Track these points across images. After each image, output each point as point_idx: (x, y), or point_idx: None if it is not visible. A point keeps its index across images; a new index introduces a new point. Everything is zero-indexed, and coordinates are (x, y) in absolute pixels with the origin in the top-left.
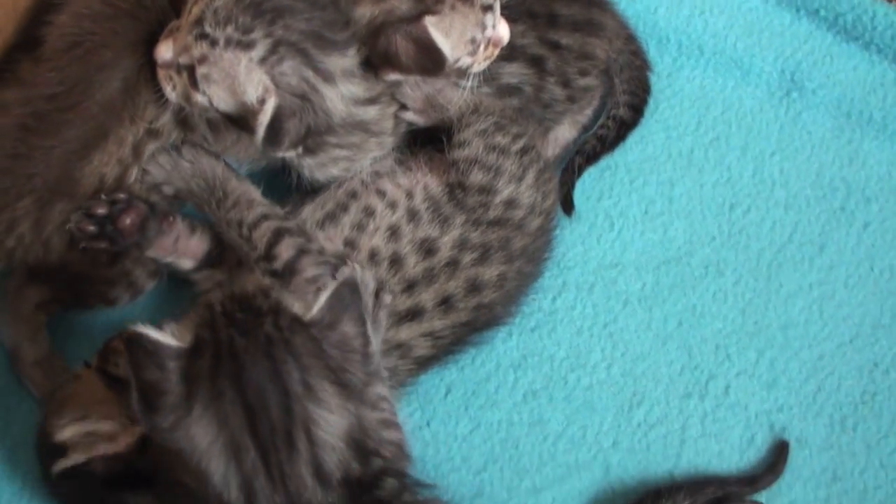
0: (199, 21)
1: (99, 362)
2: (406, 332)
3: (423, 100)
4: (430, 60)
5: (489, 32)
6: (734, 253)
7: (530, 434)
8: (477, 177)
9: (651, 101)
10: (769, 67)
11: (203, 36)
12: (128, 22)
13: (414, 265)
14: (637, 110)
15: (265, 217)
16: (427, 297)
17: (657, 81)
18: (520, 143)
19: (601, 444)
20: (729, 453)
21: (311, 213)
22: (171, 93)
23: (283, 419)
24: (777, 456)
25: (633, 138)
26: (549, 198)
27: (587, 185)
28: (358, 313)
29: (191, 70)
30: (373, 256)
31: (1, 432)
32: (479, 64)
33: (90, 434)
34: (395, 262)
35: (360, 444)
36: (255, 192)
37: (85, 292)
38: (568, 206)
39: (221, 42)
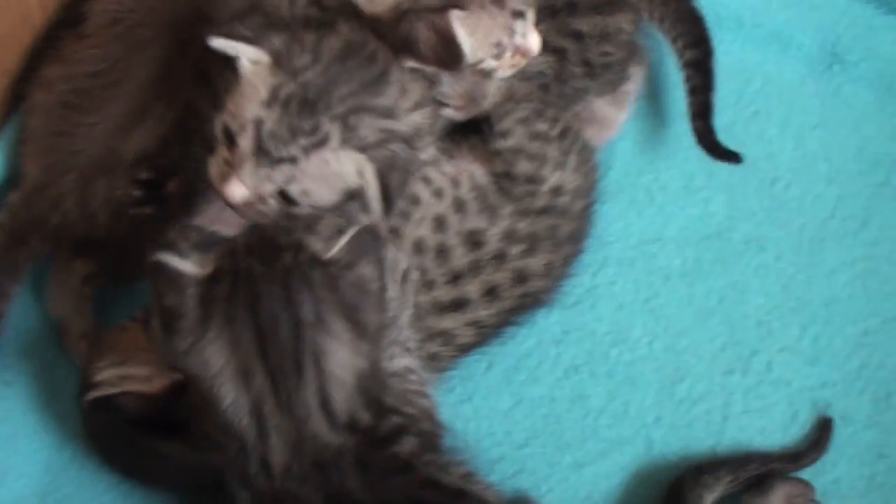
0: (262, 150)
1: (144, 315)
2: (449, 322)
3: (462, 96)
4: (449, 54)
5: (518, 40)
6: (776, 228)
7: (572, 409)
8: (524, 166)
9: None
10: (810, 40)
11: (279, 161)
12: (166, 1)
13: (460, 257)
14: (700, 45)
15: None
16: (472, 288)
17: None
18: (558, 128)
19: (643, 420)
20: (772, 430)
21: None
22: (265, 219)
23: (293, 346)
24: (821, 433)
25: (673, 112)
26: (590, 177)
27: (627, 161)
28: (377, 258)
29: (282, 194)
30: (418, 246)
31: (49, 405)
32: (504, 70)
33: (125, 377)
34: (442, 252)
35: (372, 394)
36: None
37: (131, 265)
38: (721, 153)
39: (300, 155)
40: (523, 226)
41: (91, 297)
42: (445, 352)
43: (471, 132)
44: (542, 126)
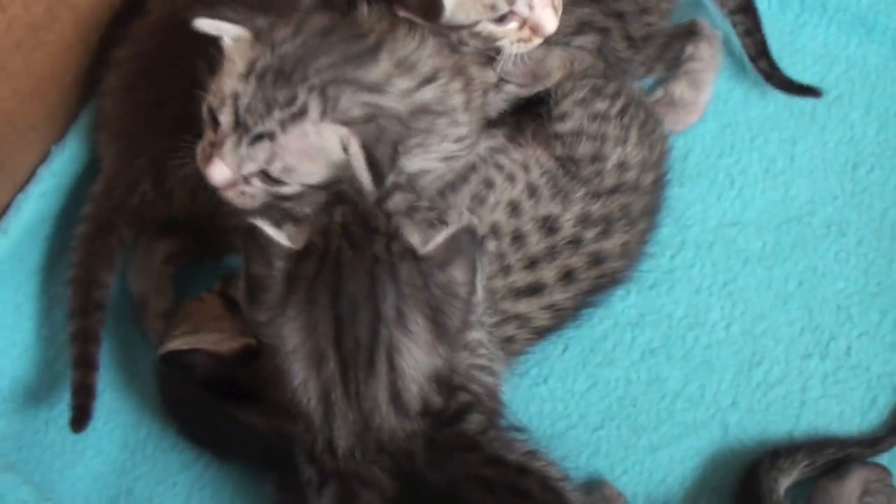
0: (240, 125)
1: (222, 286)
2: (525, 306)
3: (526, 73)
4: (430, 4)
5: (521, 8)
6: (857, 212)
7: (648, 392)
8: (585, 148)
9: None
10: (894, 24)
11: (258, 137)
12: None
13: (536, 243)
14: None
15: None
16: (548, 273)
17: (779, 38)
18: (619, 104)
19: (719, 404)
20: (850, 415)
21: (428, 182)
22: (253, 202)
23: (368, 338)
24: None
25: (754, 95)
26: (656, 149)
27: (707, 144)
28: (471, 261)
29: (264, 174)
30: (494, 231)
31: (125, 384)
32: (512, 44)
33: (198, 341)
34: (517, 238)
35: (445, 381)
36: None
37: (211, 242)
38: (797, 88)
39: (278, 130)
40: (596, 207)
41: (172, 275)
42: (521, 335)
43: (531, 118)
44: (600, 105)
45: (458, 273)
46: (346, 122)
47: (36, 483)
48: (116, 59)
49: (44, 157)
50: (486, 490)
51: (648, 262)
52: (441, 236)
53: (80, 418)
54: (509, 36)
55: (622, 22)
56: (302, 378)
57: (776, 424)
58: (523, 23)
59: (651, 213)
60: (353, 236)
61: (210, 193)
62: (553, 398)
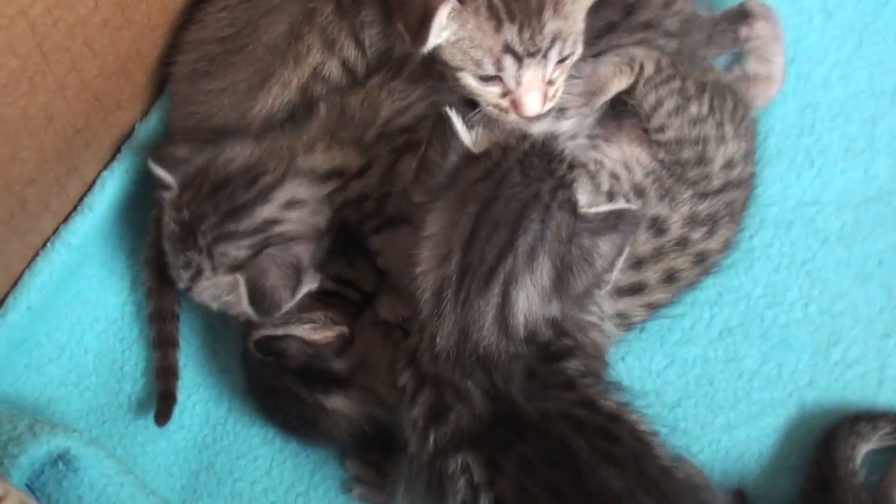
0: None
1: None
2: (625, 304)
3: (581, 94)
4: (418, 32)
5: (508, 79)
6: None
7: (725, 371)
8: (688, 153)
9: (855, 38)
10: None
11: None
12: None
13: (643, 243)
14: None
15: None
16: (652, 274)
17: (862, 17)
18: (706, 99)
19: (797, 383)
20: None
21: None
22: None
23: (493, 259)
24: None
25: (835, 74)
26: (751, 138)
27: (787, 123)
28: (622, 242)
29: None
30: None
31: (207, 360)
32: (488, 105)
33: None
34: None
35: (555, 322)
36: None
37: None
38: None
39: (190, 285)
40: (703, 207)
41: None
42: (616, 330)
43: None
44: (693, 109)
45: (605, 246)
46: (234, 269)
47: (119, 457)
48: (185, 42)
49: (129, 135)
50: (576, 429)
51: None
52: (606, 207)
53: (165, 408)
54: (487, 98)
55: (652, 30)
56: (425, 266)
57: (854, 403)
58: (506, 93)
59: (748, 204)
60: (529, 165)
61: None
62: (630, 376)
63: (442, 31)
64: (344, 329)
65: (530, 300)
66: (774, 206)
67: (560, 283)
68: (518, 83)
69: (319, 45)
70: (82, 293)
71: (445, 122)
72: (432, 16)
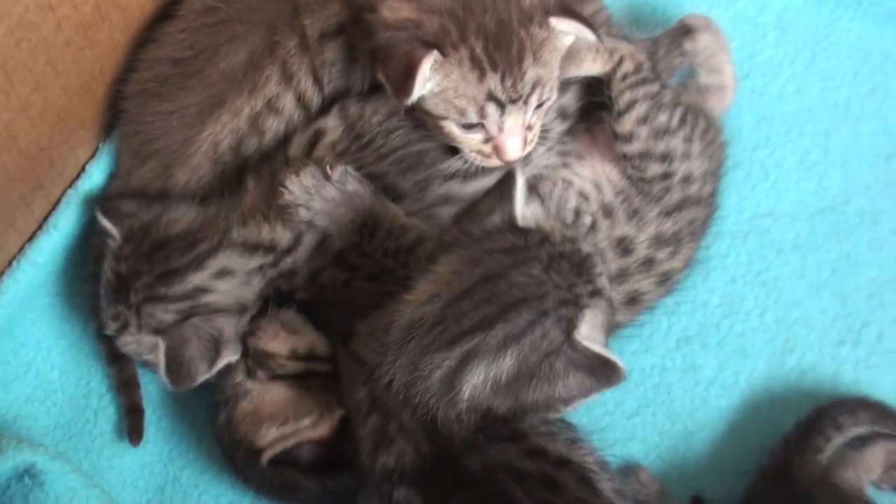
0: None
1: (267, 373)
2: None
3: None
4: (402, 85)
5: (491, 126)
6: (890, 201)
7: (683, 379)
8: (655, 168)
9: (808, 52)
10: None
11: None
12: (266, 1)
13: (609, 262)
14: None
15: (420, 241)
16: (615, 295)
17: (815, 33)
18: (678, 113)
19: (753, 390)
20: (881, 399)
21: None
22: None
23: (467, 326)
24: None
25: (790, 88)
26: (716, 158)
27: (743, 136)
28: (591, 390)
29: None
30: None
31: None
32: (471, 152)
33: (293, 432)
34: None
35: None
36: (403, 216)
37: None
38: None
39: (116, 335)
40: (668, 226)
41: None
42: None
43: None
44: (662, 118)
45: (573, 381)
46: (158, 331)
47: (85, 471)
48: (139, 61)
49: (93, 153)
50: (518, 481)
51: None
52: (599, 349)
53: (135, 424)
54: (470, 144)
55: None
56: (413, 297)
57: (809, 410)
58: (488, 139)
59: (709, 223)
60: (555, 267)
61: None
62: None
63: (426, 83)
64: (340, 410)
65: (481, 383)
66: (731, 218)
67: (515, 385)
68: (500, 129)
69: (278, 78)
70: (48, 311)
71: (511, 183)
72: (416, 68)
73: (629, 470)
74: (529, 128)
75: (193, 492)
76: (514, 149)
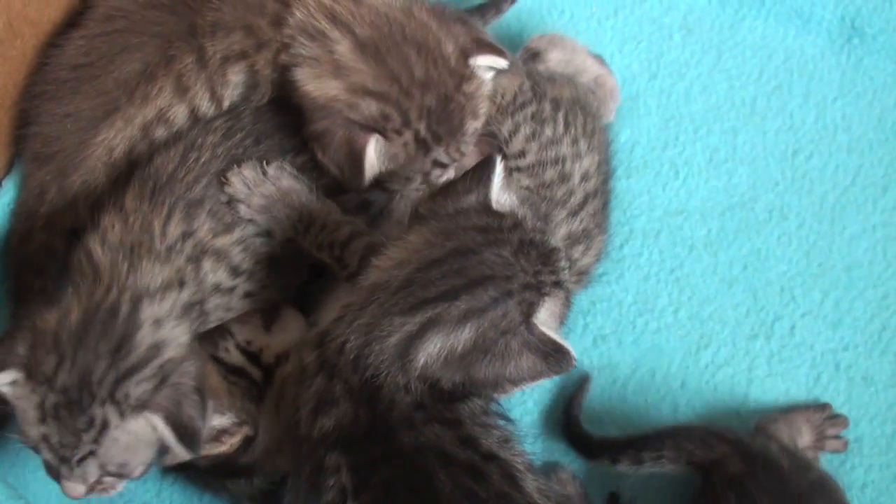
0: (63, 458)
1: (210, 349)
2: None
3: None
4: (352, 172)
5: (432, 180)
6: (798, 197)
7: (600, 377)
8: (550, 173)
9: (714, 52)
10: (829, 15)
11: (82, 459)
12: (164, 15)
13: None
14: None
15: (354, 235)
16: None
17: (720, 32)
18: (560, 119)
19: (669, 386)
20: (796, 392)
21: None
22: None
23: (433, 295)
24: None
25: (696, 88)
26: (602, 146)
27: (652, 136)
28: (541, 373)
29: (108, 474)
30: None
31: None
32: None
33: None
34: None
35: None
36: (338, 211)
37: None
38: None
39: (95, 448)
40: (576, 224)
41: None
42: None
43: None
44: (548, 132)
45: (525, 362)
46: (144, 407)
47: (9, 483)
48: (42, 67)
49: (9, 169)
50: (444, 465)
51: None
52: (553, 335)
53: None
54: (410, 188)
55: None
56: (380, 263)
57: (724, 403)
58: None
59: (608, 207)
60: (523, 252)
61: None
62: None
63: (376, 164)
64: (248, 431)
65: (437, 353)
66: (642, 217)
67: (469, 359)
68: (440, 178)
69: (171, 89)
70: None
71: (490, 167)
72: (362, 157)
73: (549, 469)
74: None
75: (118, 501)
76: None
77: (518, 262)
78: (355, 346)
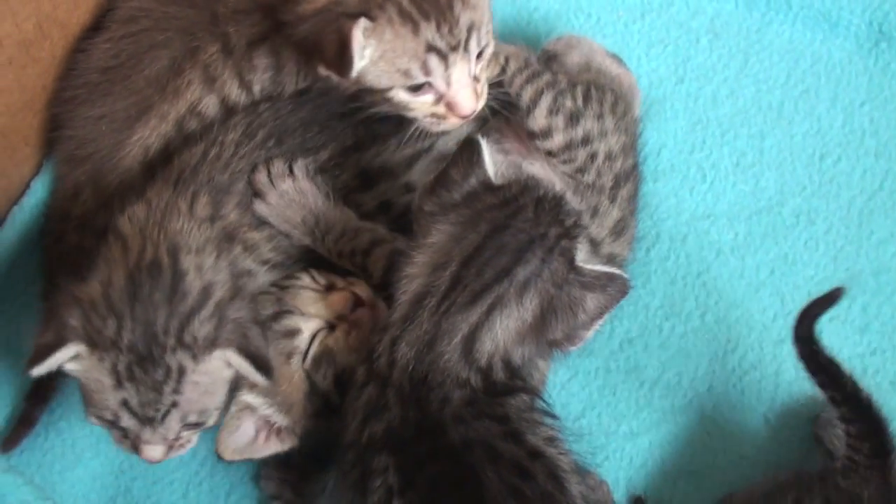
0: (146, 419)
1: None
2: None
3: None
4: (340, 60)
5: (438, 82)
6: (825, 202)
7: (627, 381)
8: (582, 154)
9: (741, 56)
10: (857, 19)
11: (165, 414)
12: (184, 8)
13: None
14: None
15: (376, 242)
16: None
17: (747, 36)
18: (580, 93)
19: (696, 390)
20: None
21: None
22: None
23: (488, 279)
24: None
25: (724, 92)
26: (630, 131)
27: (679, 140)
28: (607, 305)
29: (186, 426)
30: None
31: None
32: (425, 117)
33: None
34: None
35: (512, 365)
36: (356, 219)
37: None
38: None
39: (176, 397)
40: (616, 213)
41: None
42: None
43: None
44: (569, 104)
45: (591, 303)
46: (215, 345)
47: (36, 484)
48: (70, 69)
49: (37, 170)
50: (492, 460)
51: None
52: (601, 268)
53: (12, 442)
54: (422, 109)
55: None
56: (416, 271)
57: (752, 408)
58: (440, 98)
59: (637, 195)
60: (541, 209)
61: None
62: None
63: (364, 51)
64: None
65: (507, 330)
66: (669, 220)
67: (542, 324)
68: (448, 84)
69: (200, 81)
70: None
71: (474, 148)
72: (349, 39)
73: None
74: (476, 79)
75: (145, 503)
76: (467, 101)
77: (543, 220)
78: (412, 358)
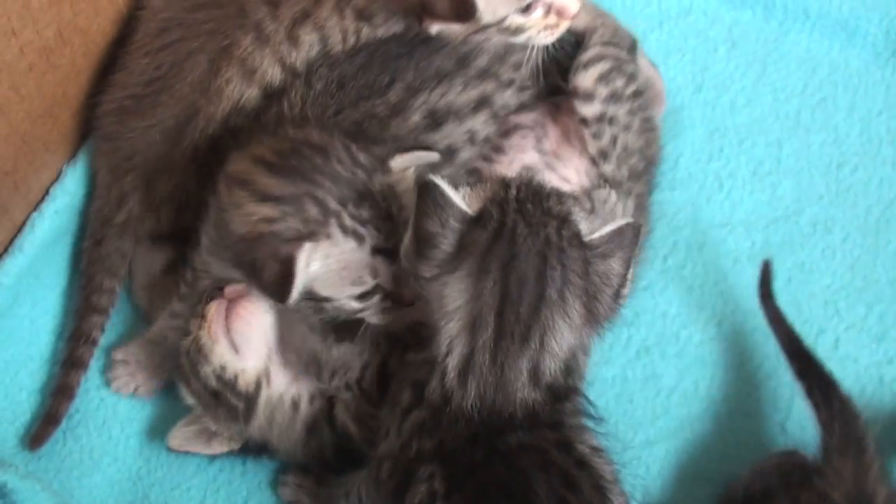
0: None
1: None
2: None
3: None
4: (462, 6)
5: None
6: (842, 210)
7: (644, 389)
8: (608, 133)
9: (759, 65)
10: (874, 29)
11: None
12: (212, 10)
13: None
14: None
15: (365, 368)
16: None
17: (765, 45)
18: (633, 86)
19: (713, 398)
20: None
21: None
22: None
23: (528, 316)
24: None
25: (741, 101)
26: (652, 146)
27: (696, 148)
28: (629, 256)
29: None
30: None
31: None
32: (539, 33)
33: None
34: None
35: (568, 366)
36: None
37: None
38: None
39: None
40: (631, 204)
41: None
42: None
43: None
44: (619, 83)
45: (616, 265)
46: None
47: (55, 490)
48: (111, 83)
49: (57, 177)
50: (543, 468)
51: (642, 264)
52: (607, 228)
53: (42, 433)
54: (536, 25)
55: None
56: (451, 336)
57: (769, 416)
58: (548, 9)
59: (649, 200)
60: (528, 213)
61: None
62: None
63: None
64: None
65: (567, 342)
66: (686, 229)
67: (590, 313)
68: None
69: (239, 76)
70: (15, 332)
71: (434, 191)
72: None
73: None
74: None
75: None
76: (572, 1)
77: (538, 219)
78: (476, 400)
